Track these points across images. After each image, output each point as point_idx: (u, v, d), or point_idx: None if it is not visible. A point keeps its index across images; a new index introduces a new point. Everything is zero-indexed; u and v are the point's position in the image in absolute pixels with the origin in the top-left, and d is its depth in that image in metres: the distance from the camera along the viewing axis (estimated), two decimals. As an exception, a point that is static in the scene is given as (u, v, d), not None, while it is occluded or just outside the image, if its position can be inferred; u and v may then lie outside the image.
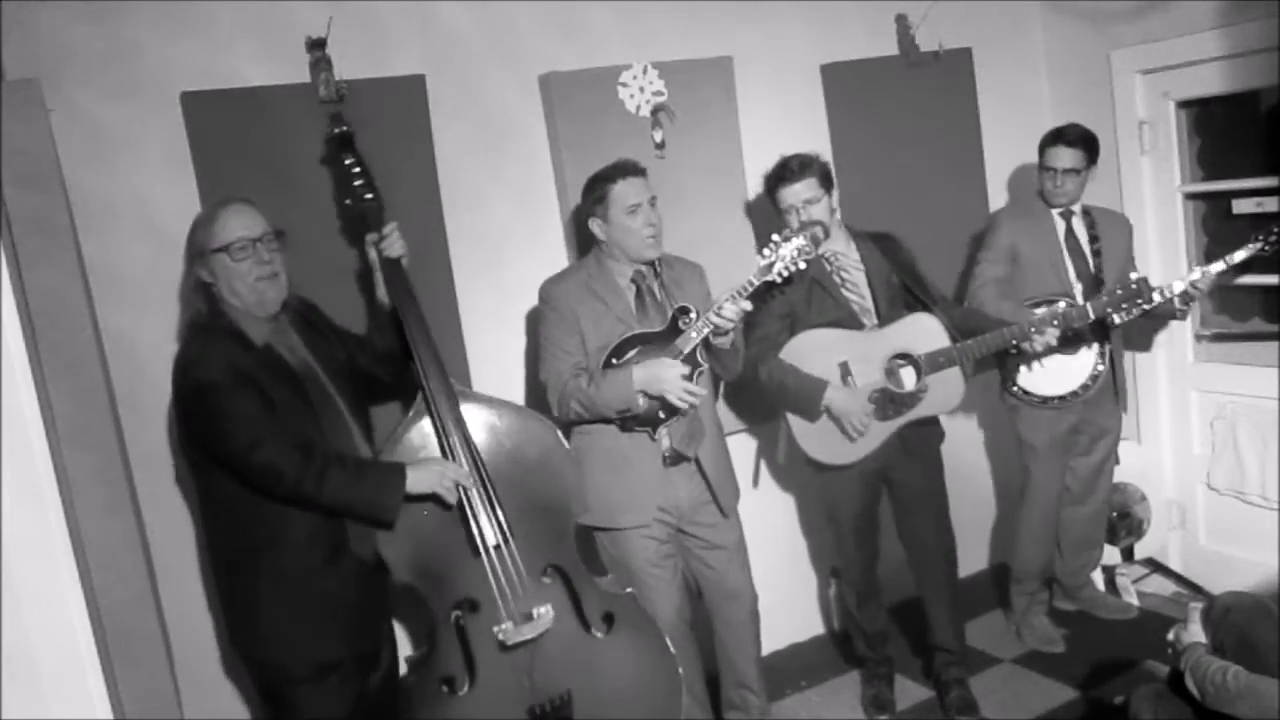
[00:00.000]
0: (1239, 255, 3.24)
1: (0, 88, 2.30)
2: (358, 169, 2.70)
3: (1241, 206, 3.71)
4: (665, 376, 2.73)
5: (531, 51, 3.27)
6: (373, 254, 2.67)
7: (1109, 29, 3.92)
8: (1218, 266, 3.24)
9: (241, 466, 2.34)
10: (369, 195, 2.69)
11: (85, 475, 2.33)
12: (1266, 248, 3.24)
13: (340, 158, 2.71)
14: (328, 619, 2.45)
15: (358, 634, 2.53)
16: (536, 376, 2.95)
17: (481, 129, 3.22)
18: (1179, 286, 3.24)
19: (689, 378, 2.76)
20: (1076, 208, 3.48)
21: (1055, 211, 3.47)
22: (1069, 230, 3.47)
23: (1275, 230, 3.24)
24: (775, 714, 3.32)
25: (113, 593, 2.37)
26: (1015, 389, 3.51)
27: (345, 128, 2.71)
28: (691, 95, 3.42)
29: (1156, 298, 3.17)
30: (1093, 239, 3.48)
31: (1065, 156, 3.37)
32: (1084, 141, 3.39)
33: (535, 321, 3.04)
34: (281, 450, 2.34)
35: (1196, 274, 3.24)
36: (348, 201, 2.71)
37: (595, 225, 2.89)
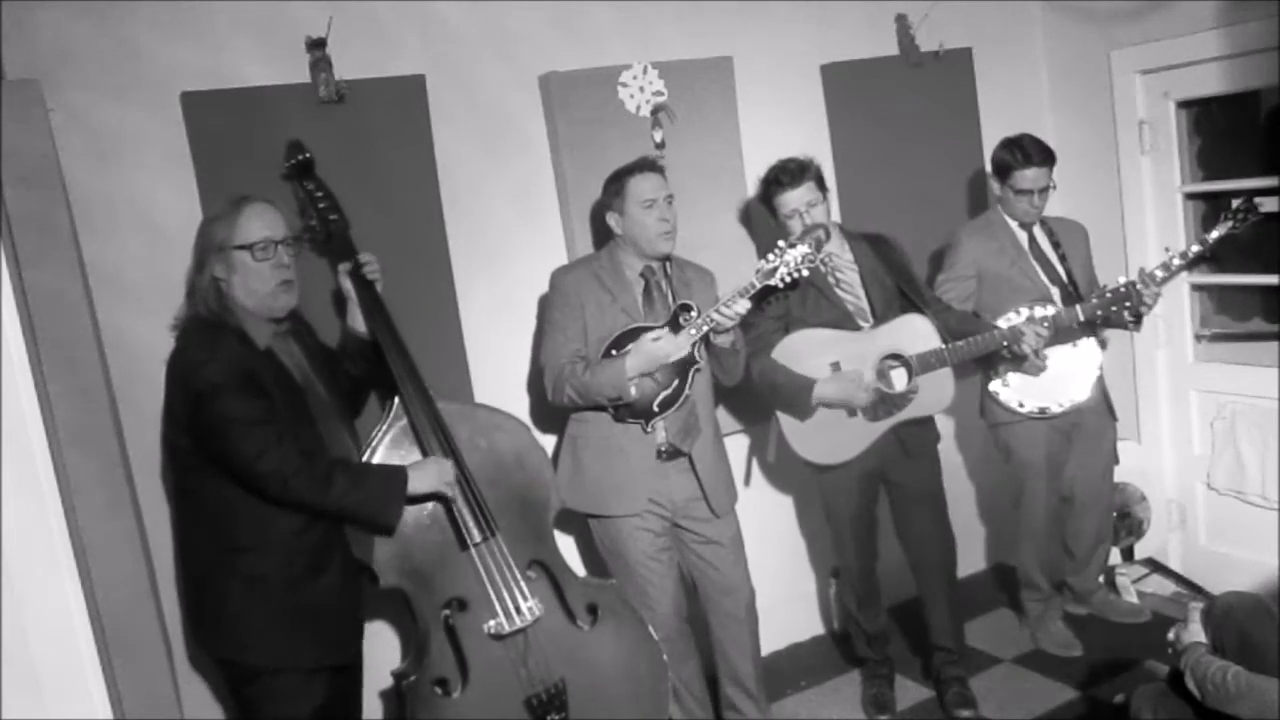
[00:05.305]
0: (1179, 261, 3.23)
1: (0, 88, 2.30)
2: (320, 193, 2.68)
3: (1241, 206, 3.71)
4: (655, 347, 2.78)
5: (531, 51, 3.27)
6: (347, 283, 2.65)
7: (1109, 29, 3.92)
8: (1159, 273, 3.22)
9: (247, 471, 2.31)
10: (334, 216, 2.68)
11: (86, 476, 2.33)
12: (1209, 245, 3.23)
13: (302, 183, 2.70)
14: (305, 626, 2.40)
15: (334, 642, 2.49)
16: (537, 363, 2.97)
17: (481, 129, 3.22)
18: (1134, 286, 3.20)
19: (687, 363, 2.79)
20: None
21: (1014, 224, 3.43)
22: (1031, 239, 3.44)
23: (1234, 215, 3.22)
24: (775, 714, 3.32)
25: (113, 593, 2.37)
26: (1010, 405, 3.44)
27: (305, 155, 2.68)
28: (691, 95, 3.42)
29: (1141, 287, 3.18)
30: (1055, 245, 3.46)
31: (1041, 176, 3.33)
32: (1050, 155, 3.35)
33: (543, 307, 3.08)
34: (288, 455, 2.31)
35: (1137, 277, 3.21)
36: (313, 224, 2.68)
37: (612, 219, 2.93)
